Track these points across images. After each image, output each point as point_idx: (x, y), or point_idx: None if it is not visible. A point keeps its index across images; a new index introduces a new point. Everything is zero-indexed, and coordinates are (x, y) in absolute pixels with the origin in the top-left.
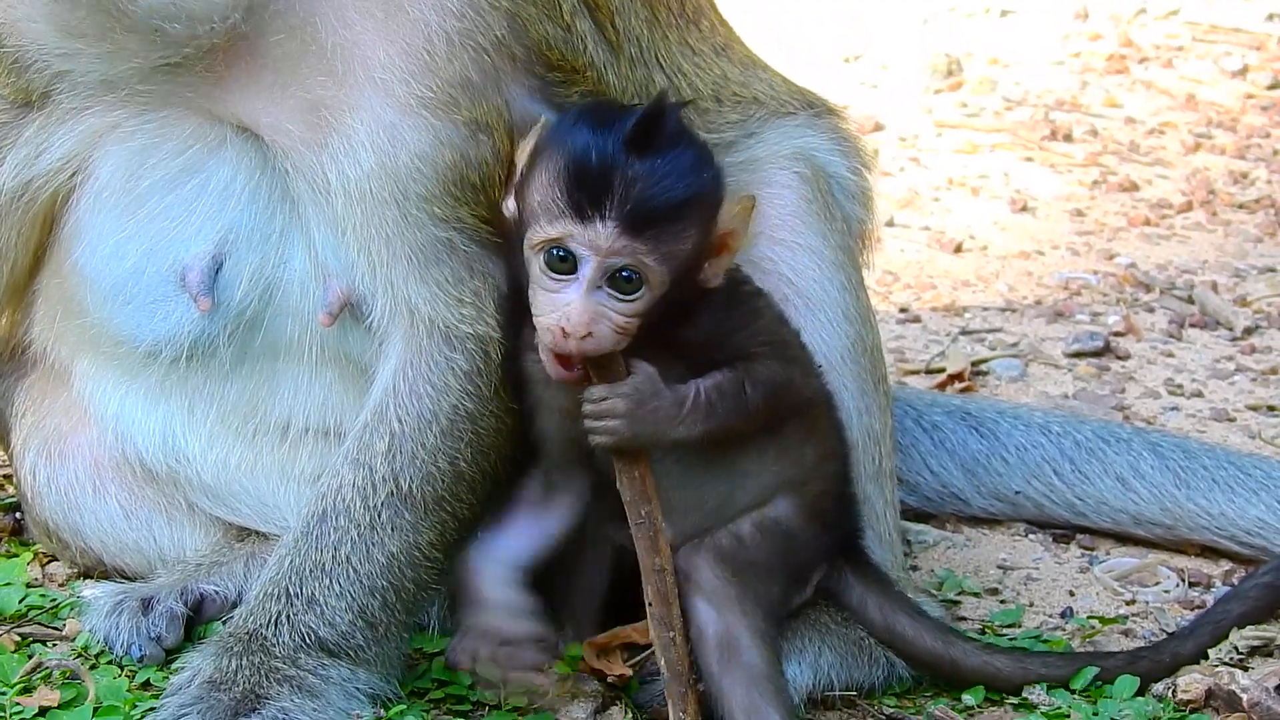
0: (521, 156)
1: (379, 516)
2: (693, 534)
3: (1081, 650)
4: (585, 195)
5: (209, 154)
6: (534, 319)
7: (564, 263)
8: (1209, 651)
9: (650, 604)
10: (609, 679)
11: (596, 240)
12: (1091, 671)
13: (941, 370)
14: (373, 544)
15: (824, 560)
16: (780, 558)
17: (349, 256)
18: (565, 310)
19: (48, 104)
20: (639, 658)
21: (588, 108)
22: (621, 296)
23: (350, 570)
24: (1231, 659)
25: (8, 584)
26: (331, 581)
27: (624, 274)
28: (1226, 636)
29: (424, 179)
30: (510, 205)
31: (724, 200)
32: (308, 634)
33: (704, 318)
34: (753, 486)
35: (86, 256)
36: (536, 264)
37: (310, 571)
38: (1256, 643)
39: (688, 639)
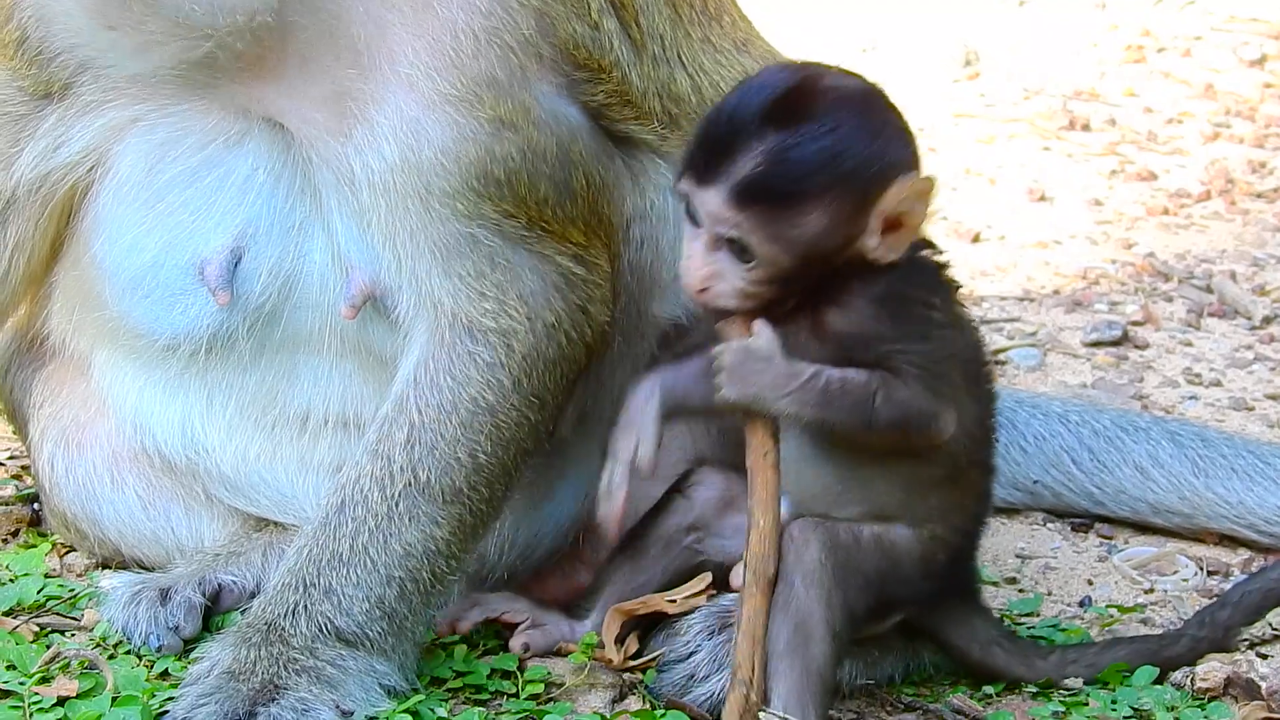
0: None
1: (396, 507)
2: (806, 510)
3: (1100, 639)
4: (705, 157)
5: (230, 148)
6: None
7: (691, 215)
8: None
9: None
10: (626, 666)
11: (706, 205)
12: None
13: None
14: (390, 534)
15: (913, 606)
16: (880, 581)
17: (373, 249)
18: (688, 261)
19: (68, 96)
20: (658, 652)
21: (768, 69)
22: (739, 262)
23: (367, 560)
24: (1265, 634)
25: (26, 574)
26: (349, 571)
27: (735, 244)
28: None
29: (447, 174)
30: None
31: (884, 184)
32: (325, 624)
33: (858, 308)
34: (869, 497)
35: (105, 249)
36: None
37: (328, 562)
38: None
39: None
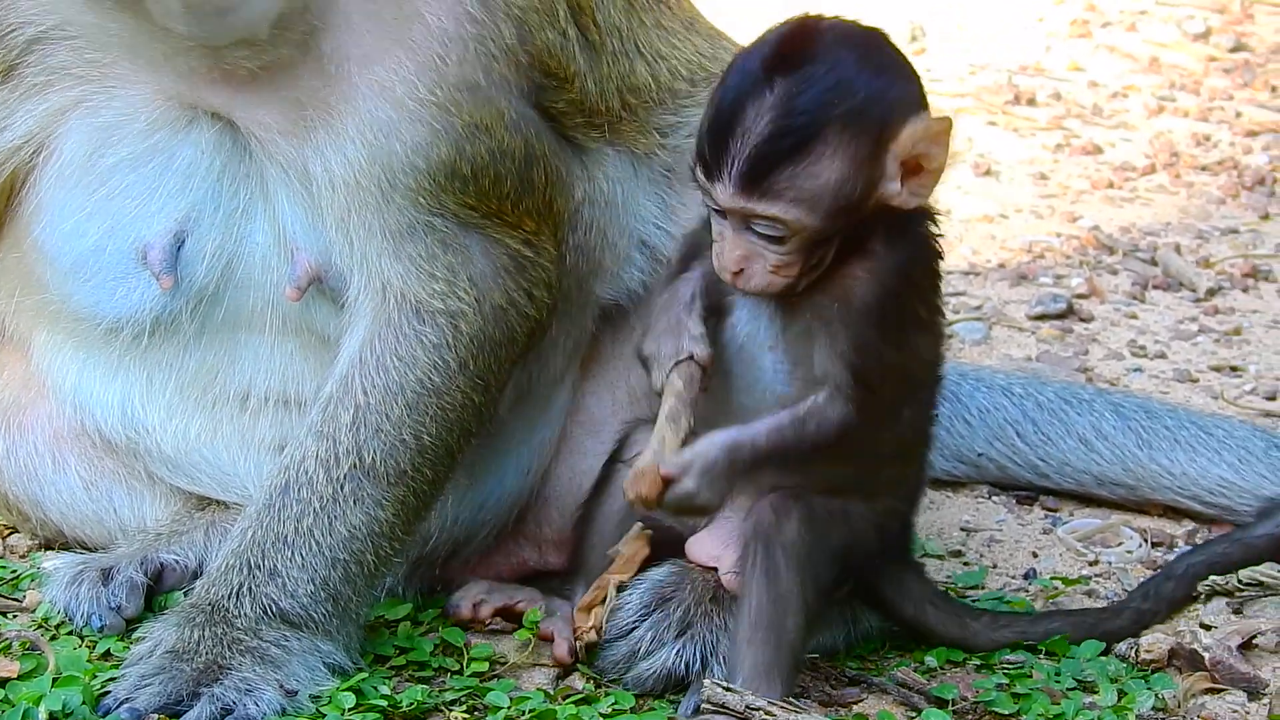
0: None
1: (341, 489)
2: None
3: (1045, 611)
4: (710, 150)
5: (176, 134)
6: None
7: (713, 205)
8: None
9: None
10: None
11: (722, 198)
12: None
13: None
14: (334, 516)
15: (865, 576)
16: (845, 554)
17: (322, 233)
18: (720, 247)
19: (12, 79)
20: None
21: (760, 40)
22: (768, 239)
23: (312, 543)
24: (1232, 586)
25: None
26: (293, 554)
27: (759, 225)
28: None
29: (415, 172)
30: None
31: (896, 122)
32: (269, 606)
33: (885, 270)
34: (825, 476)
35: (46, 233)
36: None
37: (272, 544)
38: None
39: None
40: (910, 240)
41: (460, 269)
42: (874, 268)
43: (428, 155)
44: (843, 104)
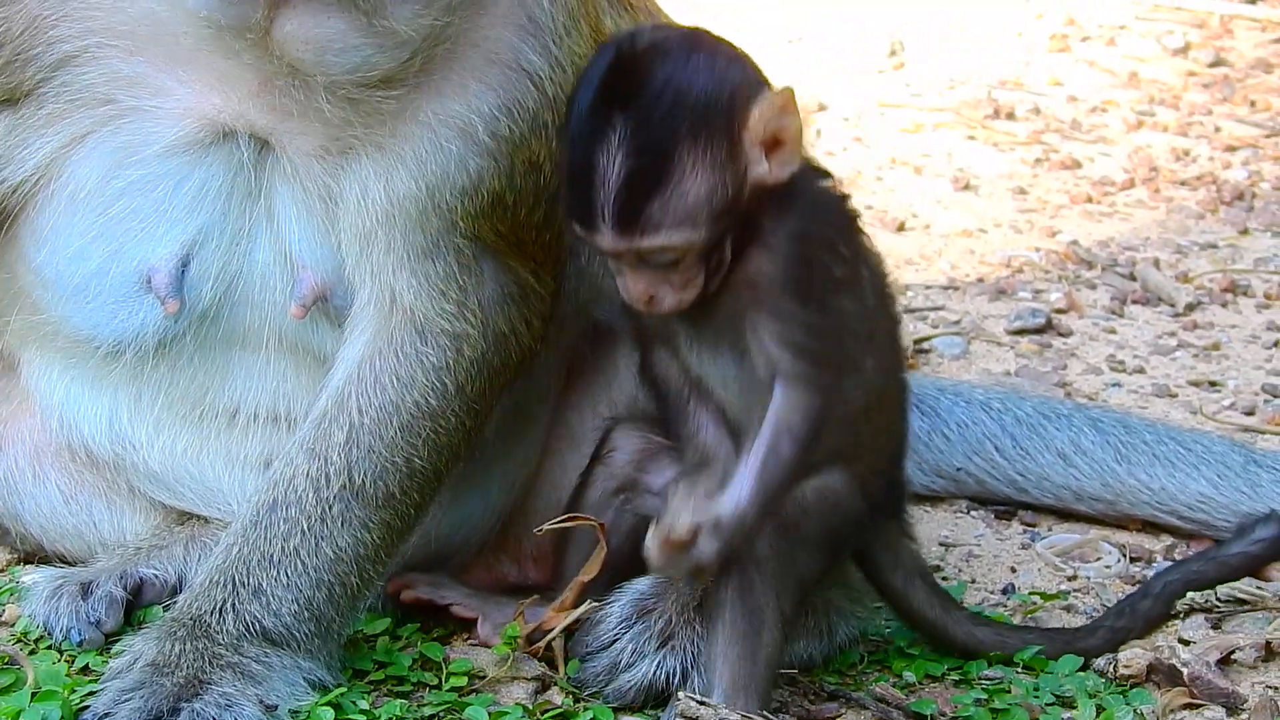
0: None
1: (330, 509)
2: None
3: (1023, 625)
4: (577, 203)
5: (195, 154)
6: None
7: (599, 252)
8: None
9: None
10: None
11: (605, 245)
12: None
13: None
14: (322, 538)
15: (860, 540)
16: (830, 537)
17: (335, 251)
18: (622, 283)
19: (29, 104)
20: (581, 645)
21: (588, 74)
22: (663, 268)
23: (298, 563)
24: (1209, 602)
25: None
26: (279, 573)
27: (650, 256)
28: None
29: (464, 198)
30: None
31: (741, 110)
32: (252, 623)
33: (780, 248)
34: None
35: (48, 257)
36: None
37: (258, 562)
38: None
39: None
40: (802, 203)
41: (472, 292)
42: (769, 244)
43: (480, 186)
44: (686, 119)
